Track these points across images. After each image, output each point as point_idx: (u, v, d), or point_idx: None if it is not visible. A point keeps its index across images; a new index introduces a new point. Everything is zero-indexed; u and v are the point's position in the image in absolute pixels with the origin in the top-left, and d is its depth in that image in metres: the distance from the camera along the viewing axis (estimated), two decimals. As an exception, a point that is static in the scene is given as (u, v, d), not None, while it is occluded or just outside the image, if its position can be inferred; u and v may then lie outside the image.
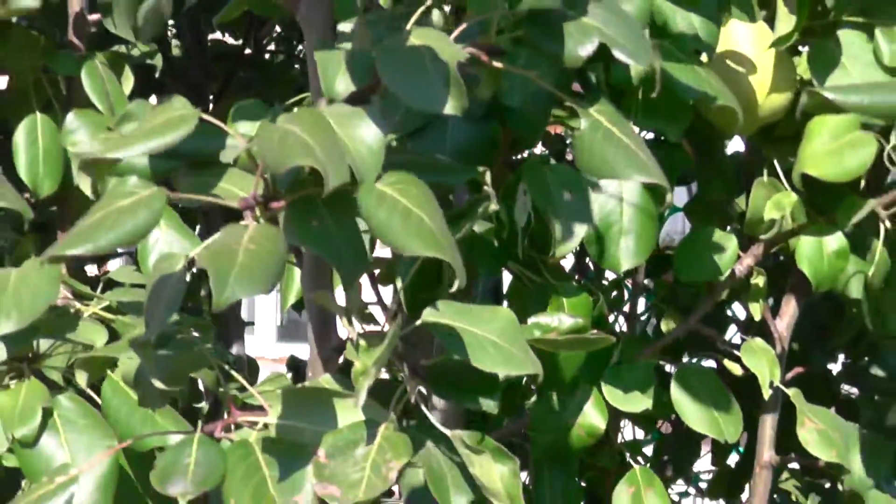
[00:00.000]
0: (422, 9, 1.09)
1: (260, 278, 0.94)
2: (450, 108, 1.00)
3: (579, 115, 1.10)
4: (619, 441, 1.70)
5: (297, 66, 2.13)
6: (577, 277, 1.82)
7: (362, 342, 1.06)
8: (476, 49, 1.08)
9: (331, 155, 0.97)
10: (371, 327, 1.15)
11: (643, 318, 1.82)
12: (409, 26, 1.05)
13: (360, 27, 1.07)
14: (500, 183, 1.46)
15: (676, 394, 1.53)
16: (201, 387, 1.68)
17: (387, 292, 1.42)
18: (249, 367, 2.03)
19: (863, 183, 1.51)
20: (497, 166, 1.44)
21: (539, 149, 1.90)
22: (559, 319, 1.14)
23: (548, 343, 1.14)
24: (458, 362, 1.07)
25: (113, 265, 1.95)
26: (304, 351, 1.31)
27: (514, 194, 1.42)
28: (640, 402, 1.51)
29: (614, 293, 1.76)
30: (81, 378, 1.34)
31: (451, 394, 1.14)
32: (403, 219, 0.99)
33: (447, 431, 1.10)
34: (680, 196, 1.74)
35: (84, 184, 1.02)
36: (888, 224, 1.51)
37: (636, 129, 1.40)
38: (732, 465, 1.96)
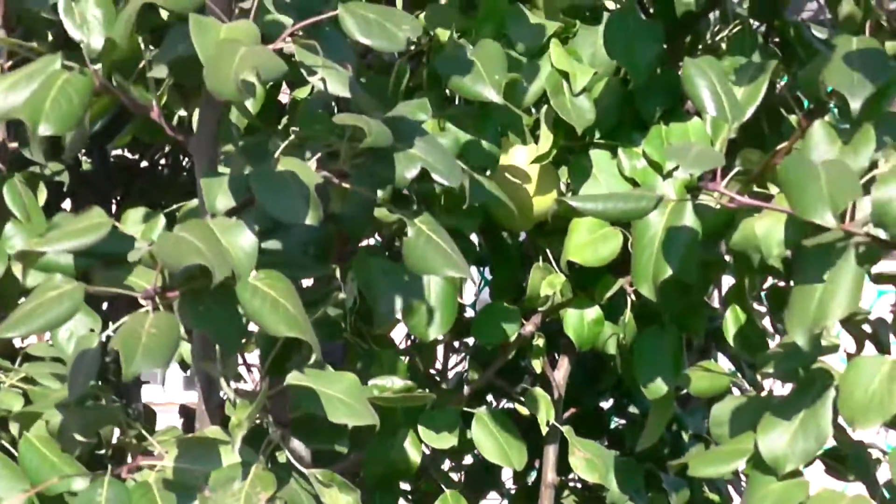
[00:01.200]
0: (287, 141, 1.10)
1: (159, 356, 0.96)
2: (309, 220, 1.02)
3: (407, 224, 1.12)
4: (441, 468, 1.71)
5: (185, 173, 2.13)
6: (410, 340, 1.81)
7: (238, 400, 1.06)
8: (329, 173, 1.10)
9: (216, 255, 0.98)
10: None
11: (455, 371, 1.83)
12: (277, 155, 1.07)
13: (237, 155, 1.08)
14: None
15: (476, 433, 1.54)
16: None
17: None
18: (147, 415, 1.99)
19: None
20: (333, 257, 1.45)
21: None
22: (392, 381, 1.16)
23: (384, 400, 1.15)
24: (315, 415, 1.08)
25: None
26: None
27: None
28: (448, 440, 1.52)
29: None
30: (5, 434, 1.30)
31: (309, 439, 1.14)
32: (272, 307, 1.01)
33: (305, 470, 1.11)
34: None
35: (17, 270, 1.03)
36: (633, 297, 1.55)
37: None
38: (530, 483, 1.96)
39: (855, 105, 1.20)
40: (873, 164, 1.23)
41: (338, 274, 1.19)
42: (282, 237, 1.28)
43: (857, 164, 1.23)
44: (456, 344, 1.90)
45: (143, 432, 1.14)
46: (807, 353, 1.20)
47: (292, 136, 1.10)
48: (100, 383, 1.16)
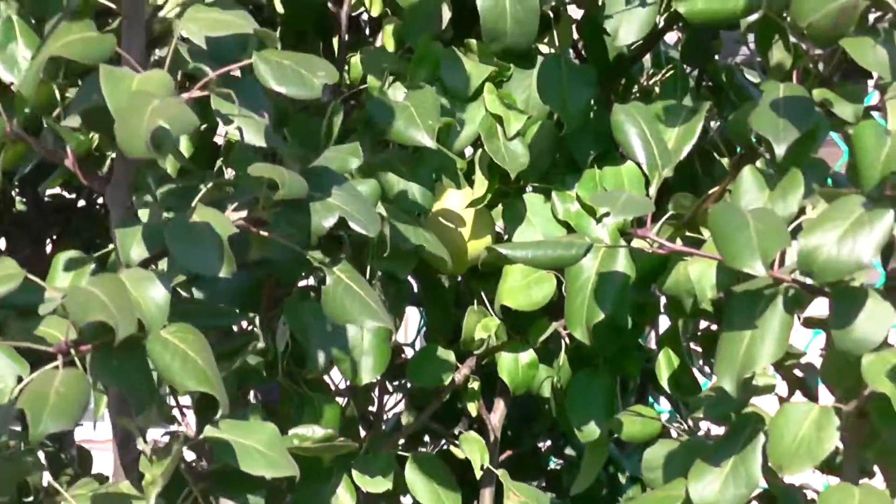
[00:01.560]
0: (204, 190, 1.08)
1: (67, 415, 0.94)
2: (222, 272, 1.00)
3: (326, 273, 1.11)
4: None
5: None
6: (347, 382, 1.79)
7: (153, 457, 1.04)
8: (246, 221, 1.08)
9: (122, 311, 0.96)
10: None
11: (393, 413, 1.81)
12: (194, 204, 1.05)
13: (153, 206, 1.06)
14: (268, 313, 1.44)
15: (410, 476, 1.52)
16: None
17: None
18: (82, 457, 1.95)
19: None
20: (266, 301, 1.43)
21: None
22: (313, 430, 1.14)
23: (304, 450, 1.13)
24: (233, 467, 1.05)
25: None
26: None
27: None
28: (382, 484, 1.50)
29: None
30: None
31: (227, 492, 1.12)
32: (182, 361, 0.99)
33: (225, 524, 1.08)
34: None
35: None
36: (568, 341, 1.54)
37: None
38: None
39: (779, 151, 1.20)
40: (801, 210, 1.23)
41: (257, 322, 1.16)
42: (210, 284, 1.26)
43: (786, 210, 1.23)
44: (396, 383, 1.88)
45: (59, 488, 1.11)
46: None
47: (210, 185, 1.08)
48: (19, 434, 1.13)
